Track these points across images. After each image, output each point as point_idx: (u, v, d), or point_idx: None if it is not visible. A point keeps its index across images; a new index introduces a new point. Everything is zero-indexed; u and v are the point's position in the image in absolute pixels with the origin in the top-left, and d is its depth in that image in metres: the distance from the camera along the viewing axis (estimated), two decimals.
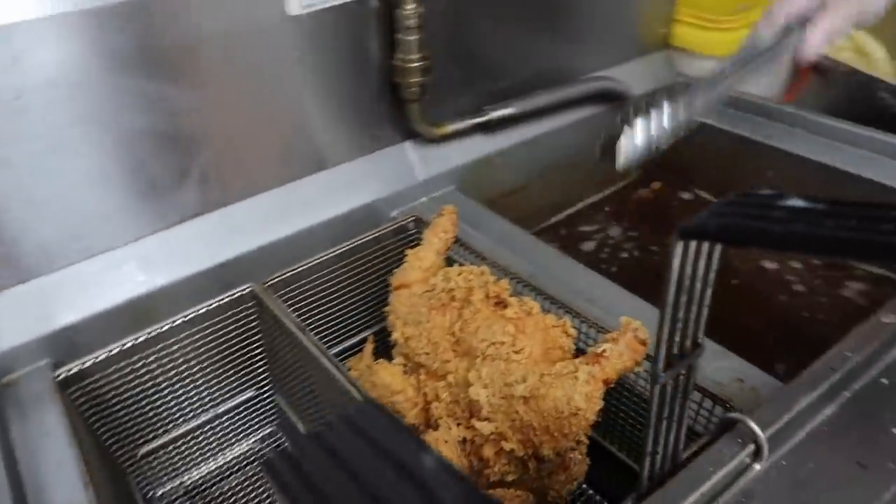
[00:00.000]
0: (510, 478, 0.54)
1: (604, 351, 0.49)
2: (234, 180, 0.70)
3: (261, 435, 0.71)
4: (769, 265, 0.91)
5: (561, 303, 0.59)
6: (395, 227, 0.73)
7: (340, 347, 0.74)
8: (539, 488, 0.56)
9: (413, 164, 0.82)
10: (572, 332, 0.55)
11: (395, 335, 0.62)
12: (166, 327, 0.61)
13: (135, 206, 0.65)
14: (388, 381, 0.60)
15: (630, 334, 0.49)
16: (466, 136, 0.85)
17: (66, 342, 0.61)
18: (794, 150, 0.90)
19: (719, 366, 0.54)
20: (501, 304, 0.57)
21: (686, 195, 1.07)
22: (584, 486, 0.65)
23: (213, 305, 0.63)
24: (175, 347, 0.62)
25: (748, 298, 0.86)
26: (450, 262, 0.67)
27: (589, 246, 0.97)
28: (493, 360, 0.54)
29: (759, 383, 0.53)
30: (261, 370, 0.68)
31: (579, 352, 0.54)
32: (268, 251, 0.72)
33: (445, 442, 0.55)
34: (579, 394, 0.48)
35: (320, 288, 0.70)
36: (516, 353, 0.53)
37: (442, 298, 0.60)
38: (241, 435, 0.69)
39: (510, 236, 0.73)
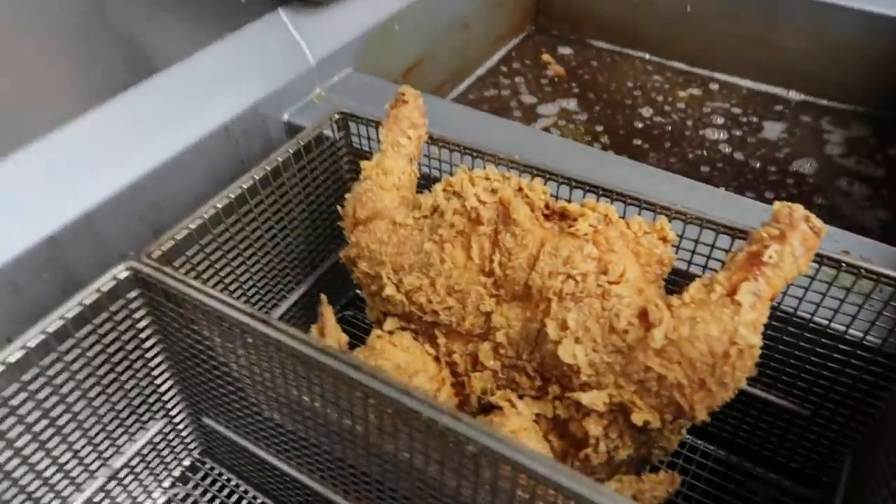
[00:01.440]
0: (622, 454, 0.38)
1: (770, 256, 0.33)
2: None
3: (179, 472, 0.47)
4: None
5: (628, 197, 0.42)
6: (311, 137, 0.49)
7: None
8: (643, 455, 0.41)
9: (297, 41, 0.57)
10: (672, 236, 0.38)
11: (387, 290, 0.41)
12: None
13: None
14: (403, 359, 0.40)
15: (803, 225, 0.33)
16: None
17: None
18: None
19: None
20: (559, 215, 0.39)
21: (567, 50, 0.93)
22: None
23: (88, 302, 0.37)
24: (37, 385, 0.36)
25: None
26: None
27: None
28: (579, 300, 0.36)
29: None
30: (167, 387, 0.44)
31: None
32: (116, 206, 0.46)
33: (525, 430, 0.38)
34: (745, 325, 0.33)
35: (226, 247, 0.46)
36: (613, 283, 0.36)
37: (457, 224, 0.40)
38: (154, 484, 0.45)
39: (476, 121, 0.54)
